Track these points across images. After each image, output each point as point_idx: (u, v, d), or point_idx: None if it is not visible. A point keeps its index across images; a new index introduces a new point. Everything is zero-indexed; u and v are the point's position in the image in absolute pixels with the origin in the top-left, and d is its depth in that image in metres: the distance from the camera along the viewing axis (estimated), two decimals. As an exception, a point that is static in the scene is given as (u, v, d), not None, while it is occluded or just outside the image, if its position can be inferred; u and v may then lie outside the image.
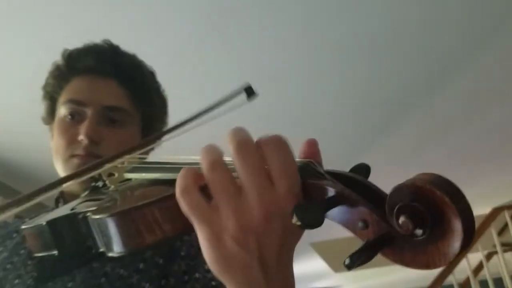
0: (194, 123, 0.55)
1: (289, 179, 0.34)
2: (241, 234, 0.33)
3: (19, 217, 0.83)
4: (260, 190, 0.34)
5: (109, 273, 0.66)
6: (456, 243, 0.28)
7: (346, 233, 0.34)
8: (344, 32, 2.24)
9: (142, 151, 0.56)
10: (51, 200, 0.81)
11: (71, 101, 0.77)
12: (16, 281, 0.68)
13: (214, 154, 0.36)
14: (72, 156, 0.74)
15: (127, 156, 0.54)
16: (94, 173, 0.53)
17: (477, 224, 4.29)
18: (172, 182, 0.39)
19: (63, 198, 0.79)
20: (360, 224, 0.31)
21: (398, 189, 0.30)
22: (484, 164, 3.89)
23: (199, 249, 0.35)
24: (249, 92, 0.55)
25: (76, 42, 0.84)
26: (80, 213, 0.46)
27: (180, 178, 0.36)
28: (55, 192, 0.48)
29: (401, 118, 3.08)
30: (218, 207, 0.34)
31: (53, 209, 0.78)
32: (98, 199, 0.51)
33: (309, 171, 0.35)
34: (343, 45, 2.33)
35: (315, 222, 0.31)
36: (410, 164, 3.74)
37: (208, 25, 2.11)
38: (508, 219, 4.31)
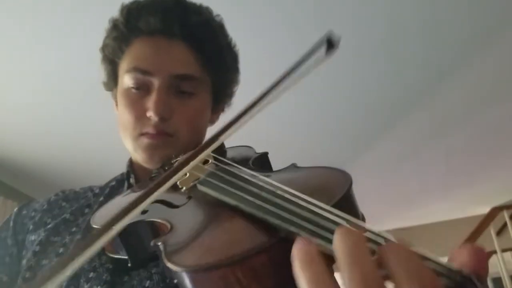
0: (273, 93, 0.48)
1: None
2: None
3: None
4: None
5: None
6: None
7: None
8: (344, 32, 2.25)
9: (218, 143, 0.46)
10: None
11: (135, 69, 0.68)
12: (91, 274, 0.59)
13: (360, 251, 0.27)
14: (142, 134, 0.67)
15: (205, 152, 0.45)
16: (172, 182, 0.43)
17: (476, 224, 4.31)
18: (259, 223, 0.33)
19: (134, 172, 0.74)
20: None
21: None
22: (483, 164, 3.90)
23: None
24: (330, 44, 0.47)
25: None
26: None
27: (302, 246, 0.29)
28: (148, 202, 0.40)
29: (399, 119, 3.08)
30: None
31: (118, 184, 0.74)
32: (170, 204, 0.46)
33: None
34: (343, 45, 2.33)
35: None
36: (409, 164, 3.75)
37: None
38: (507, 218, 4.32)
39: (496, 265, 4.24)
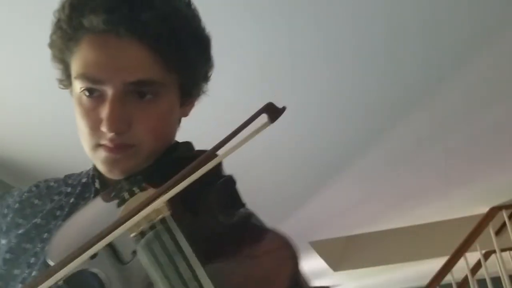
0: (217, 157, 0.49)
1: None
2: None
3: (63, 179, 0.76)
4: None
5: None
6: None
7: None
8: (344, 32, 2.25)
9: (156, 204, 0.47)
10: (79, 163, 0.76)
11: (84, 76, 0.59)
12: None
13: None
14: (99, 145, 0.61)
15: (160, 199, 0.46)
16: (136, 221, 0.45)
17: (475, 224, 4.31)
18: None
19: (99, 175, 0.69)
20: None
21: None
22: (481, 164, 3.90)
23: None
24: (272, 111, 0.48)
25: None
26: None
27: None
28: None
29: (399, 118, 3.08)
30: None
31: (86, 186, 0.72)
32: (121, 262, 0.47)
33: None
34: (342, 45, 2.34)
35: None
36: (408, 165, 3.75)
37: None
38: (506, 218, 4.33)
39: (495, 264, 4.25)
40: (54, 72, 0.70)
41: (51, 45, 0.65)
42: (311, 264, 6.00)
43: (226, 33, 2.18)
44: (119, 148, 0.59)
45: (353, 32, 2.25)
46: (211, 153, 0.49)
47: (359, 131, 3.23)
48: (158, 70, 0.60)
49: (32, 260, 0.63)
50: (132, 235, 0.47)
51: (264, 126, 0.47)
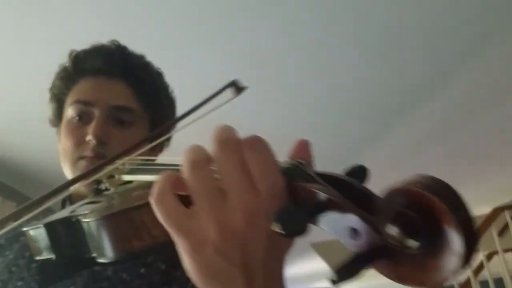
0: (184, 121, 0.54)
1: (270, 180, 0.31)
2: (222, 243, 0.31)
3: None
4: (242, 192, 0.31)
5: (111, 277, 0.64)
6: (453, 260, 0.24)
7: None
8: (344, 32, 2.24)
9: (138, 152, 0.54)
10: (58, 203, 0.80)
11: (78, 101, 0.76)
12: (20, 283, 0.67)
13: (197, 154, 0.33)
14: (80, 158, 0.73)
15: (127, 158, 0.53)
16: (96, 176, 0.52)
17: (477, 224, 4.30)
18: None
19: (70, 200, 0.78)
20: (349, 233, 0.28)
21: (390, 195, 0.27)
22: (484, 164, 3.89)
23: None
24: (237, 86, 0.54)
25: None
26: (74, 216, 0.45)
27: (156, 184, 0.34)
28: (60, 198, 0.47)
29: (401, 118, 3.08)
30: (197, 214, 0.32)
31: (58, 210, 0.77)
32: (98, 202, 0.50)
33: (296, 173, 0.32)
34: (342, 46, 2.33)
35: (298, 229, 0.28)
36: (409, 165, 3.74)
37: (199, 17, 2.10)
38: (508, 219, 4.31)
39: (498, 265, 4.23)
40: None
41: (52, 88, 0.83)
42: (312, 266, 5.99)
43: (220, 28, 2.17)
44: (98, 158, 0.71)
45: (353, 32, 2.25)
46: (173, 123, 0.55)
47: (359, 131, 3.22)
48: (136, 104, 0.79)
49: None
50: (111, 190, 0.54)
51: (228, 99, 0.52)
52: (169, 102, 0.86)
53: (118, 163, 0.52)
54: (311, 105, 2.84)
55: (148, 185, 0.46)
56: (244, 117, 2.81)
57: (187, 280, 0.61)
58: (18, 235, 0.76)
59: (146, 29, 2.08)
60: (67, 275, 0.57)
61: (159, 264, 0.66)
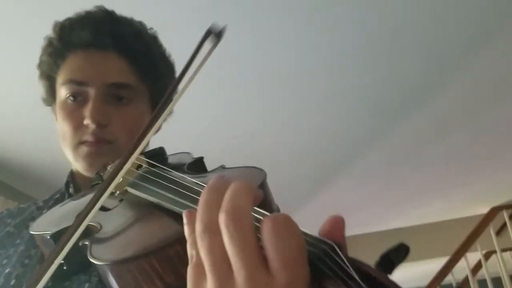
0: (181, 85, 0.51)
1: (292, 271, 0.26)
2: None
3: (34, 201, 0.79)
4: (251, 276, 0.27)
5: None
6: None
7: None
8: (344, 33, 2.25)
9: (148, 138, 0.50)
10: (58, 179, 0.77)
11: (70, 81, 0.70)
12: None
13: (210, 213, 0.29)
14: (81, 143, 0.69)
15: (138, 151, 0.48)
16: (113, 185, 0.46)
17: (475, 224, 4.31)
18: (177, 217, 0.35)
19: (73, 181, 0.76)
20: None
21: None
22: (482, 164, 3.90)
23: None
24: (215, 33, 0.52)
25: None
26: (83, 245, 0.43)
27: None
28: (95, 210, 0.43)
29: (400, 119, 3.09)
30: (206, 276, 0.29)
31: (61, 196, 0.75)
32: (103, 208, 0.48)
33: (325, 261, 0.27)
34: (342, 45, 2.34)
35: None
36: (409, 165, 3.75)
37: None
38: (506, 219, 4.33)
39: (496, 265, 4.24)
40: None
41: (40, 64, 0.76)
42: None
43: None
44: (100, 142, 0.68)
45: (353, 32, 2.25)
46: (169, 97, 0.52)
47: (359, 132, 3.23)
48: (133, 78, 0.72)
49: (5, 261, 0.66)
50: (117, 193, 0.51)
51: (213, 46, 0.50)
52: (168, 70, 0.79)
53: (132, 159, 0.48)
54: (311, 106, 2.85)
55: (155, 207, 0.43)
56: (244, 117, 2.82)
57: None
58: (26, 221, 0.73)
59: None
60: (81, 271, 0.54)
61: None
